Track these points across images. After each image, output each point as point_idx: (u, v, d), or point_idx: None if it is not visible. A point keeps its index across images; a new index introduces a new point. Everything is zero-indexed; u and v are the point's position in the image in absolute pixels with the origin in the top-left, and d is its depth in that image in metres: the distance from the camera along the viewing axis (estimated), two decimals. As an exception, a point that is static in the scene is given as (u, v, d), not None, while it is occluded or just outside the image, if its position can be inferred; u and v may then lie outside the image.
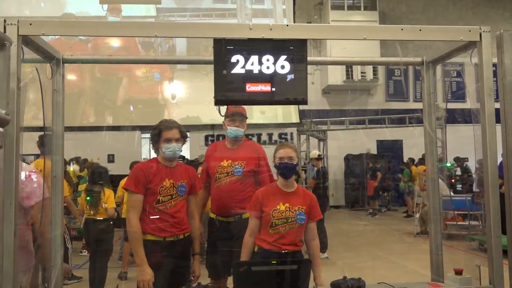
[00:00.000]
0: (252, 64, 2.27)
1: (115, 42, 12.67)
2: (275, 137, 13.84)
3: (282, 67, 2.28)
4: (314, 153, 8.70)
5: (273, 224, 2.88)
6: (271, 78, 2.28)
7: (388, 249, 8.11)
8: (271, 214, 2.89)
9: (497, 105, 2.31)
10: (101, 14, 13.26)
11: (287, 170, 2.92)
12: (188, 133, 3.52)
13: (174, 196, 3.05)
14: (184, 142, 3.18)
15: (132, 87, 13.40)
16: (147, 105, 13.27)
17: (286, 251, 2.86)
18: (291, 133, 13.93)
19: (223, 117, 3.63)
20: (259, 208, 2.93)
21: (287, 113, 13.57)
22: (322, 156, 9.53)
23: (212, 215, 3.65)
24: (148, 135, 3.20)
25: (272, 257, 2.79)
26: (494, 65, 2.32)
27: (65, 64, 2.69)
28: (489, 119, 2.31)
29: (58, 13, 13.10)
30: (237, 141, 3.61)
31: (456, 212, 8.40)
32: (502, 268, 2.31)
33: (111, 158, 11.85)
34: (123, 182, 6.22)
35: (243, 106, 3.63)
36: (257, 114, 13.19)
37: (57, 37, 8.04)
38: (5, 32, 2.02)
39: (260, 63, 2.27)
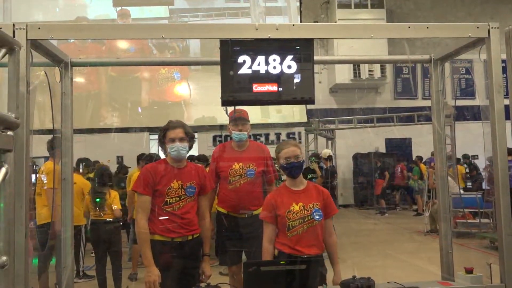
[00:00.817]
0: (258, 64, 2.27)
1: (129, 44, 12.79)
2: (283, 136, 13.84)
3: (289, 67, 2.28)
4: (325, 152, 8.64)
5: (290, 227, 2.81)
6: (278, 78, 2.28)
7: (398, 248, 8.05)
8: (285, 216, 2.81)
9: (507, 102, 2.30)
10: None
11: (295, 169, 2.89)
12: (196, 134, 3.56)
13: (182, 198, 3.04)
14: (192, 142, 3.16)
15: (147, 88, 13.50)
16: (161, 106, 13.32)
17: (307, 256, 2.75)
18: (299, 133, 13.93)
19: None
20: (273, 213, 2.86)
21: (304, 112, 13.50)
22: (332, 157, 9.49)
23: (223, 210, 3.78)
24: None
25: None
26: (503, 61, 2.30)
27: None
28: (498, 116, 2.29)
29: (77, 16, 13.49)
30: (242, 143, 3.77)
31: (466, 210, 8.32)
32: (513, 266, 2.28)
33: (120, 160, 11.92)
34: (131, 178, 6.23)
35: (245, 110, 3.74)
36: (273, 113, 13.21)
37: (72, 40, 8.16)
38: (14, 36, 2.04)
39: (267, 63, 2.27)
